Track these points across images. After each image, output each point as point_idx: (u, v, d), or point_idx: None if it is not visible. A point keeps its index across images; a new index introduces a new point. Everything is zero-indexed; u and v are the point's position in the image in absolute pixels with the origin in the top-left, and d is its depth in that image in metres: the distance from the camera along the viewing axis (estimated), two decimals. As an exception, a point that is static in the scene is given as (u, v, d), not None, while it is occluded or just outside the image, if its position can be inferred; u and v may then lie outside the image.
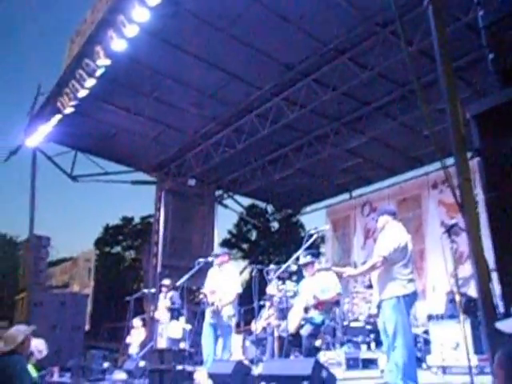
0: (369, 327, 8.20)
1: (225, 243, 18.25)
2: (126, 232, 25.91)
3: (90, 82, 8.17)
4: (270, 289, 6.09)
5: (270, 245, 21.92)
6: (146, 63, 8.25)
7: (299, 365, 4.44)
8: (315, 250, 6.34)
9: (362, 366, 7.51)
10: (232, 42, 7.49)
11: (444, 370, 6.10)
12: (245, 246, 22.63)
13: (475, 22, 4.08)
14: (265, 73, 8.21)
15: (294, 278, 6.69)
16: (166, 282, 8.93)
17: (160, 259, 11.23)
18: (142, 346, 9.25)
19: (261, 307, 9.43)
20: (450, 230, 8.89)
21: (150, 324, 9.83)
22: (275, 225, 22.70)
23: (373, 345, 7.99)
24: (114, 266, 24.10)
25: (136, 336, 9.45)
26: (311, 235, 5.50)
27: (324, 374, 4.19)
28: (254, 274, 5.93)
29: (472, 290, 8.61)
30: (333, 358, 6.71)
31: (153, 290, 9.40)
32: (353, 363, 7.38)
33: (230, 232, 22.02)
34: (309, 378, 3.96)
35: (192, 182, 11.70)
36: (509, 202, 2.82)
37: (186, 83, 8.74)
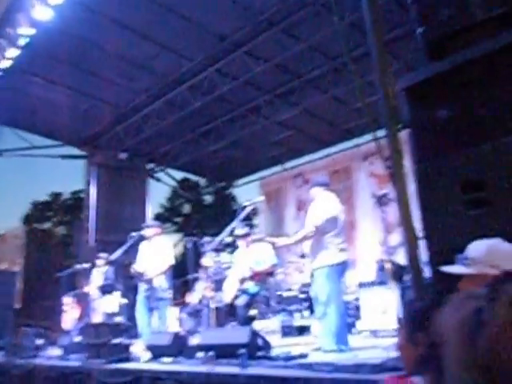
0: (302, 296, 8.43)
1: (158, 217, 17.94)
2: (55, 208, 24.83)
3: (13, 52, 7.66)
4: (205, 261, 6.08)
5: (204, 218, 21.84)
6: (73, 34, 7.80)
7: (236, 333, 4.49)
8: (249, 222, 6.37)
9: (296, 333, 7.75)
10: (163, 11, 7.22)
11: (374, 333, 6.41)
12: (178, 219, 22.39)
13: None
14: (197, 44, 8.01)
15: (229, 249, 6.71)
16: (103, 255, 8.70)
17: (92, 234, 10.89)
18: (77, 322, 9.03)
19: (195, 279, 9.44)
20: (380, 201, 9.27)
21: (84, 300, 9.56)
22: (208, 198, 22.64)
23: (306, 313, 8.24)
24: (45, 242, 23.09)
25: (69, 313, 9.20)
26: (245, 207, 5.52)
27: (260, 341, 4.26)
28: (188, 246, 5.89)
29: (400, 258, 9.05)
30: (268, 326, 6.85)
31: (86, 266, 9.12)
32: (287, 331, 7.60)
33: (162, 206, 21.69)
34: (246, 345, 4.01)
35: (123, 155, 11.34)
36: (436, 172, 2.94)
37: (115, 55, 8.38)
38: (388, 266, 8.40)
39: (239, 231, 6.15)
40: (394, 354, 3.86)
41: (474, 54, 2.90)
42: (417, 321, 1.56)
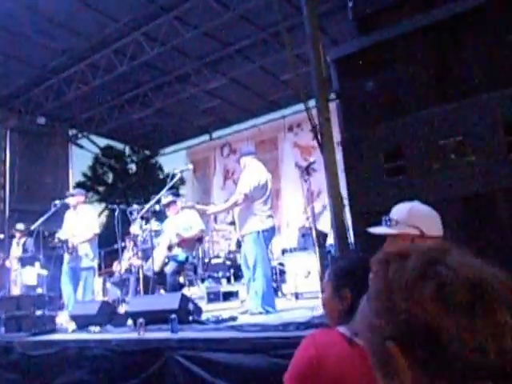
0: (228, 263, 8.61)
1: (80, 186, 17.21)
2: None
3: None
4: (134, 229, 6.03)
5: (128, 187, 21.36)
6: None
7: (166, 299, 4.55)
8: (176, 191, 6.36)
9: (222, 298, 7.92)
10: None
11: (297, 296, 6.71)
12: (101, 188, 21.69)
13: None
14: (123, 4, 7.66)
15: (158, 217, 6.68)
16: (20, 226, 8.32)
17: (8, 203, 10.31)
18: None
19: (123, 249, 9.31)
20: (304, 170, 9.53)
21: (1, 272, 9.11)
22: (133, 167, 22.11)
23: (232, 279, 8.44)
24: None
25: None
26: (175, 175, 5.51)
27: (191, 306, 4.35)
28: (116, 214, 5.80)
29: (321, 225, 9.45)
30: (195, 292, 6.95)
31: (1, 236, 8.67)
32: (214, 296, 7.75)
33: (84, 174, 20.86)
34: (176, 311, 4.08)
35: (41, 120, 10.73)
36: (362, 141, 3.12)
37: (31, 8, 7.77)
38: (315, 232, 8.79)
39: (165, 199, 6.14)
40: (319, 312, 4.11)
41: (396, 32, 3.08)
42: (342, 277, 1.69)
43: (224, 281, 8.38)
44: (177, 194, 6.23)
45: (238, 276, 8.62)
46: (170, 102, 10.23)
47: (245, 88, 10.43)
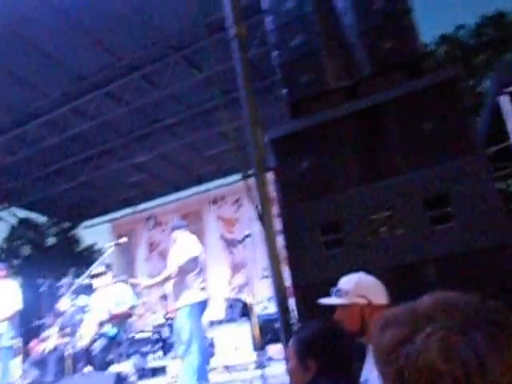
0: (156, 337, 8.17)
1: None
2: None
3: None
4: (63, 304, 5.59)
5: (45, 260, 20.02)
6: None
7: (100, 380, 4.18)
8: (108, 262, 6.07)
9: (151, 374, 7.45)
10: (22, 44, 6.70)
11: (227, 368, 6.46)
12: (16, 262, 20.13)
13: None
14: (54, 80, 7.55)
15: (85, 292, 6.28)
16: None
17: None
18: None
19: (42, 325, 8.57)
20: (232, 244, 9.44)
21: None
22: (50, 239, 20.87)
23: (160, 353, 7.99)
24: None
25: None
26: (108, 248, 5.29)
27: (124, 386, 4.03)
28: (43, 289, 5.38)
29: (246, 296, 9.37)
30: (124, 369, 6.48)
31: None
32: (142, 373, 7.26)
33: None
34: (110, 392, 3.77)
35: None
36: (300, 216, 3.20)
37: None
38: (237, 303, 8.68)
39: (96, 270, 5.83)
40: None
41: (326, 117, 3.30)
42: (306, 347, 1.67)
43: (151, 356, 7.91)
44: (108, 266, 5.93)
45: (165, 350, 8.19)
46: (97, 174, 9.99)
47: (171, 162, 10.49)
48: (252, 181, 3.35)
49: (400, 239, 2.91)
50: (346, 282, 2.17)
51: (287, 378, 3.81)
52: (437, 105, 3.10)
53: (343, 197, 3.12)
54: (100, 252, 21.12)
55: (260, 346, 5.99)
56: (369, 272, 2.37)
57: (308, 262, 3.10)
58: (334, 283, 3.01)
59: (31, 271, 19.57)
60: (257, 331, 4.41)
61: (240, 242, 4.31)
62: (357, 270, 3.05)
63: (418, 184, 2.99)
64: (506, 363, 0.59)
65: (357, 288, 2.13)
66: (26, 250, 20.45)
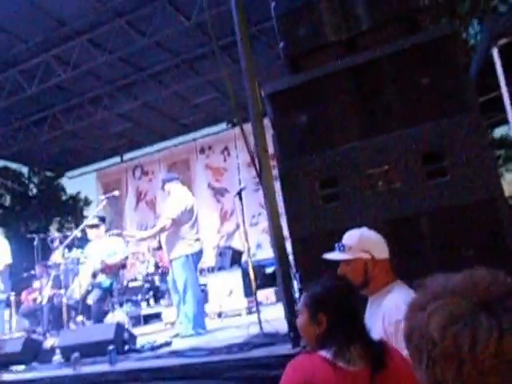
0: (147, 285, 8.39)
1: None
2: None
3: None
4: (56, 257, 5.68)
5: (27, 210, 19.96)
6: None
7: (100, 330, 4.34)
8: (101, 215, 6.13)
9: (143, 322, 7.71)
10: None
11: (219, 315, 6.71)
12: (-2, 211, 20.03)
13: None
14: (34, 26, 7.26)
15: (78, 245, 6.36)
16: None
17: None
18: None
19: (31, 277, 8.70)
20: (216, 192, 9.50)
21: None
22: (33, 189, 20.71)
23: (152, 301, 8.24)
24: None
25: None
26: (102, 200, 5.33)
27: (126, 335, 4.21)
28: (36, 242, 5.45)
29: (235, 243, 9.58)
30: (118, 318, 6.69)
31: None
32: (135, 321, 7.51)
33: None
34: (112, 341, 3.93)
35: None
36: (298, 170, 3.27)
37: None
38: (227, 250, 8.88)
39: (90, 221, 5.91)
40: (252, 331, 4.18)
41: (324, 71, 3.31)
42: (318, 303, 1.78)
43: (144, 304, 8.15)
44: (102, 219, 5.99)
45: (156, 298, 8.44)
46: (81, 124, 9.83)
47: (157, 111, 10.35)
48: (239, 130, 3.41)
49: (397, 193, 3.02)
50: (350, 237, 2.26)
51: (280, 323, 4.01)
52: (434, 61, 3.13)
53: (341, 151, 3.18)
54: (86, 201, 21.11)
55: (253, 292, 6.21)
56: (359, 227, 2.45)
57: (306, 215, 3.21)
58: (332, 236, 3.12)
59: (14, 221, 19.55)
60: (251, 276, 4.55)
61: (237, 194, 4.37)
62: (354, 224, 3.17)
63: (414, 139, 3.06)
64: (496, 349, 0.63)
65: (360, 243, 2.22)
66: (7, 200, 20.30)
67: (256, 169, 3.31)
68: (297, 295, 3.44)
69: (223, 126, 11.69)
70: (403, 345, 1.99)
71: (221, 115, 10.89)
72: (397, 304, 2.06)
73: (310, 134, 3.29)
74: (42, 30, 7.44)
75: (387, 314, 2.05)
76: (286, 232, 3.32)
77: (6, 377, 4.10)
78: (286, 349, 3.16)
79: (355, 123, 3.22)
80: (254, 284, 4.64)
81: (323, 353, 1.65)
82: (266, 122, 3.54)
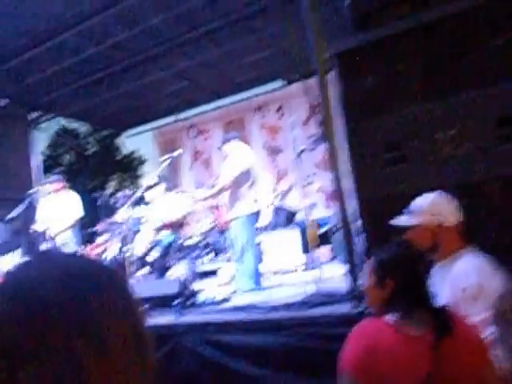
0: (204, 242, 8.69)
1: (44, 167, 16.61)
2: None
3: None
4: (119, 215, 5.99)
5: (87, 167, 20.85)
6: None
7: (166, 285, 4.60)
8: (161, 174, 6.35)
9: (201, 277, 8.04)
10: None
11: (275, 272, 6.91)
12: (59, 169, 21.03)
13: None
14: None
15: (142, 203, 6.65)
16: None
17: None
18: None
19: (94, 234, 9.20)
20: (272, 151, 9.47)
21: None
22: (91, 147, 21.52)
23: (208, 258, 8.55)
24: None
25: None
26: (163, 161, 5.52)
27: (188, 290, 4.44)
28: (100, 201, 5.75)
29: (290, 201, 9.67)
30: (180, 273, 7.02)
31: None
32: (193, 276, 7.83)
33: (44, 154, 20.15)
34: (177, 295, 4.17)
35: (2, 102, 10.26)
36: (364, 132, 3.27)
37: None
38: (281, 210, 8.99)
39: (152, 180, 6.16)
40: (309, 289, 4.30)
41: (395, 29, 3.22)
42: (386, 268, 1.83)
43: (200, 260, 8.47)
44: (162, 178, 6.22)
45: (213, 255, 8.74)
46: (138, 83, 10.01)
47: (211, 70, 10.34)
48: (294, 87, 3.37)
49: (464, 157, 2.97)
50: (420, 201, 2.26)
51: (336, 282, 4.08)
52: (509, 21, 2.97)
53: (408, 114, 3.14)
54: (140, 160, 21.77)
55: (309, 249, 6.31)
56: (425, 191, 2.41)
57: (371, 177, 3.23)
58: (396, 199, 3.13)
59: (73, 179, 20.51)
60: (313, 235, 4.62)
61: (297, 156, 4.40)
62: (419, 187, 3.15)
63: (486, 103, 2.97)
64: None
65: (432, 206, 2.21)
66: (68, 158, 21.25)
67: (321, 130, 3.32)
68: (360, 257, 3.50)
69: (278, 84, 11.56)
70: (470, 311, 2.03)
71: (275, 73, 10.76)
72: (466, 271, 2.07)
73: (377, 96, 3.25)
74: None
75: (455, 280, 2.07)
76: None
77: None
78: (345, 308, 3.25)
79: (424, 85, 3.15)
80: (312, 242, 4.72)
81: (387, 317, 1.70)
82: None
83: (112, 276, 0.60)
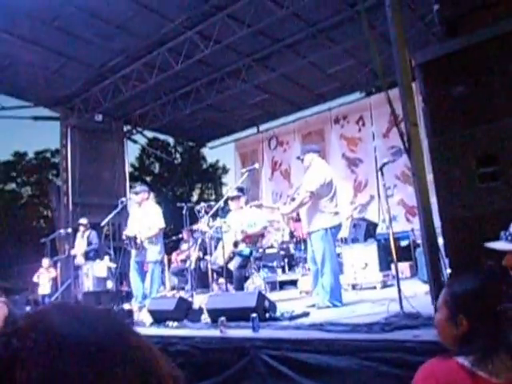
0: (282, 253, 8.60)
1: (129, 177, 17.54)
2: (19, 168, 23.71)
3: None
4: (201, 225, 6.06)
5: (173, 177, 21.64)
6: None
7: (243, 297, 4.54)
8: (242, 186, 6.36)
9: (279, 287, 7.95)
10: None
11: (354, 287, 6.64)
12: (148, 178, 22.04)
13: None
14: (178, 5, 7.62)
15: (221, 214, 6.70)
16: (84, 221, 8.51)
17: (70, 197, 10.55)
18: (53, 286, 8.88)
19: (180, 240, 9.43)
20: (351, 162, 9.14)
21: (66, 264, 9.37)
22: (178, 157, 22.33)
23: (287, 268, 8.43)
24: (11, 203, 22.20)
25: (44, 276, 8.97)
26: (243, 173, 5.51)
27: (266, 303, 4.33)
28: (184, 212, 5.85)
29: (369, 215, 9.32)
30: (257, 283, 6.97)
31: (69, 230, 8.89)
32: (272, 286, 7.78)
33: (132, 165, 21.24)
34: (254, 308, 4.07)
35: (99, 117, 10.89)
36: (451, 146, 2.99)
37: (91, 12, 7.83)
38: (361, 222, 8.65)
39: (231, 193, 6.19)
40: (391, 308, 4.03)
41: (490, 34, 2.92)
42: (461, 303, 1.56)
43: (279, 270, 8.39)
44: (241, 190, 6.22)
45: (290, 266, 8.61)
46: (221, 96, 10.21)
47: (292, 82, 10.32)
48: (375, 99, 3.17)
49: None
50: None
51: (419, 301, 3.78)
52: None
53: (504, 125, 2.83)
54: (224, 170, 22.24)
55: (390, 265, 5.99)
56: None
57: (459, 195, 2.94)
58: (489, 219, 2.83)
59: (162, 187, 21.36)
60: (392, 248, 4.34)
61: (379, 170, 4.16)
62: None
63: None
64: None
65: None
66: (156, 168, 22.19)
67: (404, 143, 3.10)
68: (445, 280, 3.20)
69: (358, 95, 11.26)
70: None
71: (355, 84, 10.48)
72: None
73: (468, 106, 2.96)
74: (187, 8, 7.76)
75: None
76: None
77: (163, 331, 4.51)
78: (431, 334, 2.97)
79: (522, 93, 2.82)
80: (394, 256, 4.43)
81: (461, 359, 1.46)
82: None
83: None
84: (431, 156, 3.06)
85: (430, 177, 3.07)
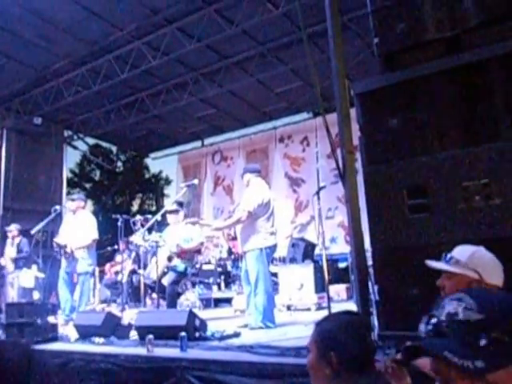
0: (219, 270, 8.46)
1: (68, 183, 16.81)
2: None
3: None
4: (136, 238, 5.84)
5: (114, 185, 21.00)
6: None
7: (174, 315, 4.39)
8: (181, 201, 6.21)
9: (214, 305, 7.79)
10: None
11: (289, 307, 6.60)
12: (88, 185, 21.24)
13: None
14: (128, 14, 7.42)
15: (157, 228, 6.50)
16: (12, 227, 8.01)
17: (1, 201, 9.92)
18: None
19: (115, 251, 9.08)
20: (293, 182, 9.16)
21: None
22: (120, 166, 21.74)
23: (223, 285, 8.30)
24: None
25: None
26: (182, 188, 5.38)
27: (197, 322, 4.20)
28: (119, 223, 5.62)
29: (309, 235, 9.38)
30: (191, 299, 6.80)
31: (-5, 235, 8.33)
32: (206, 303, 7.61)
33: (72, 171, 20.38)
34: (184, 327, 3.94)
35: (38, 120, 10.35)
36: (384, 176, 3.03)
37: (37, 14, 7.48)
38: (299, 242, 8.67)
39: (169, 207, 6.04)
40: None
41: (424, 71, 3.01)
42: (328, 340, 1.54)
43: (215, 287, 8.24)
44: (181, 204, 6.07)
45: (227, 283, 8.48)
46: (166, 108, 10.03)
47: (239, 98, 10.30)
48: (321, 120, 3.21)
49: (497, 210, 2.69)
50: (461, 251, 2.01)
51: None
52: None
53: (435, 159, 2.89)
54: (166, 181, 21.84)
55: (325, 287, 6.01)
56: (451, 243, 2.20)
57: (390, 225, 2.97)
58: (417, 250, 2.87)
59: (102, 195, 20.64)
60: (325, 271, 4.35)
61: (315, 194, 4.18)
62: (442, 239, 2.88)
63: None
64: None
65: (471, 260, 1.97)
66: (97, 175, 21.46)
67: (339, 169, 3.11)
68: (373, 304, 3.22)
69: (304, 115, 11.42)
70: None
71: (302, 104, 10.61)
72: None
73: (400, 139, 3.02)
74: (136, 18, 7.59)
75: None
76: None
77: (87, 348, 4.26)
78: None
79: (454, 130, 2.91)
80: (327, 278, 4.45)
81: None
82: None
83: None
84: (365, 184, 3.08)
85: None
